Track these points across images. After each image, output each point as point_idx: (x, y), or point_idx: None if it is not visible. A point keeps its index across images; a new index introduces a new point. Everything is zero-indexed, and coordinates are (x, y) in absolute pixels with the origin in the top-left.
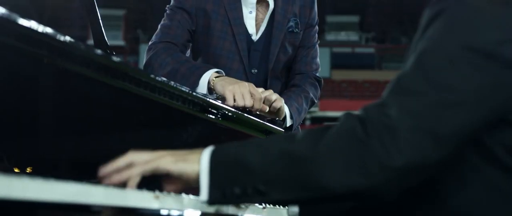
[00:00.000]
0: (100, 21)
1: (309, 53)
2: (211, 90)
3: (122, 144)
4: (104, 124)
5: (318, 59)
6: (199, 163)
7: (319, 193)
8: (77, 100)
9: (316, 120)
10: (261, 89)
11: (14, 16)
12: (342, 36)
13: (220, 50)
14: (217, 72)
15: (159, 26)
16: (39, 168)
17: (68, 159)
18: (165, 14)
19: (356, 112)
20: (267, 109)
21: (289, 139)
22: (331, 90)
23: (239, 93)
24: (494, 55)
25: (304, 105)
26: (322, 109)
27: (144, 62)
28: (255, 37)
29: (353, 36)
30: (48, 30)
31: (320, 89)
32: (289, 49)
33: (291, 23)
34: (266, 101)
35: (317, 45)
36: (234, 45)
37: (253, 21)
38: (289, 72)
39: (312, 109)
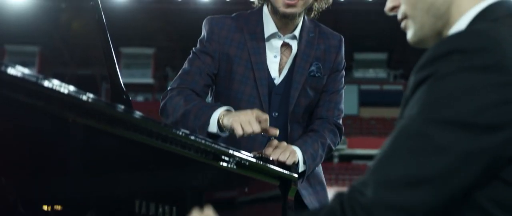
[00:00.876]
0: (116, 64)
1: (332, 98)
2: (221, 127)
3: (144, 195)
4: (124, 175)
5: (341, 105)
6: None
7: None
8: (92, 153)
9: (344, 157)
10: (274, 143)
11: (38, 77)
12: (370, 73)
13: (241, 94)
14: (225, 109)
15: (180, 71)
16: None
17: (97, 210)
18: (188, 57)
19: (342, 191)
20: (276, 157)
21: None
22: (359, 128)
23: (245, 121)
24: (470, 124)
25: (320, 151)
26: (351, 146)
27: (160, 107)
28: (277, 81)
29: (381, 73)
30: (71, 89)
31: (341, 136)
32: (311, 93)
33: (313, 68)
34: (279, 159)
35: (342, 91)
36: (255, 90)
37: (276, 65)
38: (311, 117)
39: (340, 147)
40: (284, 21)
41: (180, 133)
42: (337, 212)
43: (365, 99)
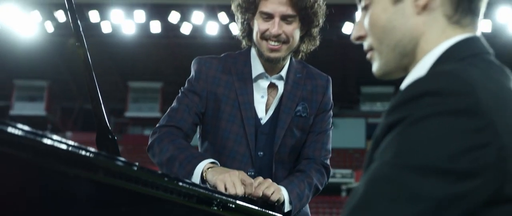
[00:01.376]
0: (102, 104)
1: (319, 138)
2: (204, 180)
3: None
4: None
5: (329, 146)
6: None
7: None
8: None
9: (351, 191)
10: (259, 179)
11: (35, 133)
12: (377, 106)
13: (228, 133)
14: (211, 162)
15: (169, 109)
16: None
17: None
18: (177, 96)
19: None
20: (261, 194)
21: None
22: None
23: (230, 182)
24: (443, 171)
25: (307, 191)
26: (358, 180)
27: (148, 144)
28: (263, 120)
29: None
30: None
31: (328, 177)
32: (298, 134)
33: (299, 107)
34: (263, 195)
35: (330, 132)
36: (241, 129)
37: (263, 105)
38: (298, 157)
39: (348, 180)
40: (270, 64)
41: (164, 178)
42: None
43: (373, 133)
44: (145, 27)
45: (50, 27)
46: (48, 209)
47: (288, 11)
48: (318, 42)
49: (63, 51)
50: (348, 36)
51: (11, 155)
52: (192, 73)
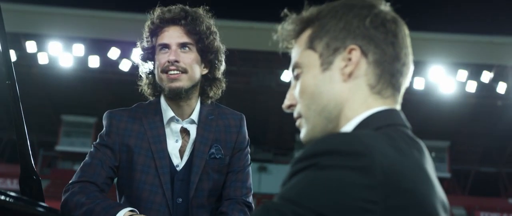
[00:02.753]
0: (28, 144)
1: (238, 177)
2: None
3: None
4: None
5: (249, 183)
6: None
7: None
8: None
9: None
10: None
11: None
12: None
13: (143, 184)
14: (130, 210)
15: (81, 164)
16: None
17: None
18: (89, 151)
19: None
20: None
21: None
22: None
23: None
24: (319, 213)
25: None
26: None
27: (61, 202)
28: (179, 167)
29: None
30: None
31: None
32: (215, 176)
33: (212, 150)
34: None
35: (249, 168)
36: (157, 179)
37: (177, 151)
38: (220, 199)
39: None
40: (178, 104)
41: None
42: None
43: None
44: (83, 61)
45: None
46: None
47: (183, 39)
48: (224, 85)
49: None
50: (287, 83)
51: None
52: (104, 127)
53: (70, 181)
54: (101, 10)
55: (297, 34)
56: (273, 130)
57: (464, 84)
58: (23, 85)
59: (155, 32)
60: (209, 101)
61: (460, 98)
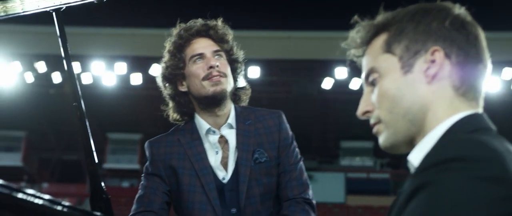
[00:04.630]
0: (97, 165)
1: (291, 176)
2: None
3: None
4: None
5: (304, 178)
6: None
7: None
8: None
9: None
10: None
11: (10, 188)
12: (357, 161)
13: (192, 203)
14: None
15: (135, 198)
16: None
17: None
18: (140, 184)
19: None
20: None
21: None
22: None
23: None
24: None
25: None
26: None
27: None
28: (226, 179)
29: (368, 162)
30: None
31: (314, 211)
32: (264, 180)
33: (256, 155)
34: None
35: (301, 163)
36: (204, 196)
37: (219, 163)
38: (278, 201)
39: None
40: (214, 113)
41: None
42: None
43: (352, 187)
44: (125, 79)
45: (30, 78)
46: None
47: (216, 47)
48: (249, 93)
49: (42, 101)
50: (328, 91)
51: None
52: (147, 157)
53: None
54: (141, 28)
55: (370, 39)
56: (317, 138)
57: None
58: (69, 105)
59: (183, 46)
60: (242, 103)
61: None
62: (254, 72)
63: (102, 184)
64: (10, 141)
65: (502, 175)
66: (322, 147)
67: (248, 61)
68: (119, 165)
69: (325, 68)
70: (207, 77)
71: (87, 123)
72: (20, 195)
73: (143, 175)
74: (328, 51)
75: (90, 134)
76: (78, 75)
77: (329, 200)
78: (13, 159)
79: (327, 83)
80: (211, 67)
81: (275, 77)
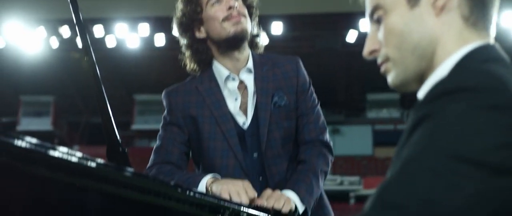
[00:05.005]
0: (112, 118)
1: (309, 120)
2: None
3: None
4: None
5: (321, 122)
6: None
7: None
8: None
9: (360, 198)
10: (268, 193)
11: (44, 146)
12: (384, 113)
13: (213, 151)
14: (212, 176)
15: (153, 149)
16: None
17: None
18: (158, 134)
19: None
20: (271, 207)
21: None
22: (375, 168)
23: (235, 192)
24: (482, 163)
25: (314, 182)
26: (366, 187)
27: None
28: (246, 124)
29: (395, 113)
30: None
31: (331, 153)
32: (284, 124)
33: (275, 98)
34: (274, 208)
35: (318, 107)
36: (225, 143)
37: (238, 109)
38: (297, 145)
39: (356, 187)
40: (233, 57)
41: (175, 188)
42: None
43: (380, 139)
44: (149, 41)
45: (55, 43)
46: None
47: None
48: (262, 34)
49: (68, 66)
50: (352, 44)
51: (20, 167)
52: (165, 107)
53: (147, 167)
54: None
55: None
56: (342, 92)
57: None
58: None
59: None
60: (259, 50)
61: None
62: (277, 28)
63: (118, 137)
64: (39, 106)
65: (509, 104)
66: (348, 101)
67: (271, 17)
68: (147, 126)
69: (349, 21)
70: (227, 18)
71: (98, 72)
72: (55, 153)
73: (161, 125)
74: (351, 3)
75: (103, 88)
76: (85, 27)
77: (356, 153)
78: (43, 124)
79: (351, 36)
80: (230, 7)
81: (298, 32)
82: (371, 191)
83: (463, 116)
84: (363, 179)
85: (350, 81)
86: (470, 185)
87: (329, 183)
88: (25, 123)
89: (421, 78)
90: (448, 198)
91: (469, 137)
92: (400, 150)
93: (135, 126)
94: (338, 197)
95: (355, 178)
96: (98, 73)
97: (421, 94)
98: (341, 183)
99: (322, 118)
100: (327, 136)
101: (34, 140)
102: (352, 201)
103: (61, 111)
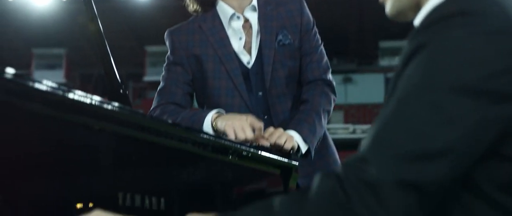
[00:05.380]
0: (113, 65)
1: (312, 58)
2: (214, 130)
3: (145, 190)
4: (125, 172)
5: (324, 61)
6: None
7: None
8: (93, 152)
9: None
10: (270, 130)
11: (54, 87)
12: (396, 61)
13: (218, 90)
14: (217, 112)
15: (156, 91)
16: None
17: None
18: (161, 75)
19: (335, 170)
20: (273, 143)
21: (265, 213)
22: None
23: (239, 127)
24: (481, 92)
25: (316, 121)
26: None
27: None
28: (250, 63)
29: None
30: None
31: (334, 92)
32: (288, 63)
33: (280, 37)
34: (276, 144)
35: (321, 47)
36: (230, 82)
37: (243, 48)
38: (300, 85)
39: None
40: None
41: (178, 127)
42: (338, 194)
43: None
44: None
45: None
46: (62, 160)
47: None
48: None
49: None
50: None
51: (34, 109)
52: (167, 47)
53: (151, 109)
54: None
55: None
56: (354, 39)
57: None
58: (105, 20)
59: None
60: None
61: None
62: None
63: (118, 78)
64: (52, 59)
65: (506, 28)
66: (360, 48)
67: None
68: (159, 78)
69: None
70: None
71: (96, 12)
72: (72, 95)
73: (164, 65)
74: None
75: (99, 24)
76: None
77: (369, 101)
78: (56, 76)
79: None
80: None
81: None
82: None
83: (460, 43)
84: None
85: (362, 29)
86: (470, 117)
87: (341, 131)
88: (37, 76)
89: (418, 6)
90: (448, 131)
91: (467, 66)
92: (394, 82)
93: (147, 78)
94: (350, 146)
95: (367, 127)
96: (95, 10)
97: (417, 21)
98: (354, 132)
99: (325, 58)
100: (330, 76)
101: (48, 82)
102: None
103: (73, 63)
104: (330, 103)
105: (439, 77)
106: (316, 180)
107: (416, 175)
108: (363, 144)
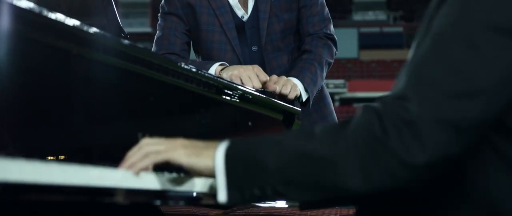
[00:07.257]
0: (116, 11)
1: (313, 11)
2: None
3: (142, 128)
4: (128, 109)
5: (325, 13)
6: (213, 159)
7: (341, 194)
8: (98, 88)
9: (345, 101)
10: (274, 77)
11: (41, 9)
12: (370, 16)
13: (211, 43)
14: (221, 64)
15: (154, 40)
16: (69, 155)
17: (95, 146)
18: (157, 24)
19: (374, 105)
20: (277, 92)
21: (307, 137)
22: (360, 71)
23: (245, 76)
24: None
25: (318, 72)
26: (351, 90)
27: None
28: (245, 17)
29: (381, 16)
30: (75, 22)
31: (335, 45)
32: (284, 16)
33: None
34: (281, 93)
35: None
36: (223, 35)
37: (238, 2)
38: (299, 36)
39: (341, 90)
40: None
41: (186, 66)
42: (376, 128)
43: (365, 42)
44: None
45: None
46: (66, 94)
47: None
48: None
49: None
50: None
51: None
52: None
53: None
54: None
55: None
56: None
57: None
58: None
59: None
60: None
61: None
62: None
63: (122, 27)
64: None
65: None
66: (333, 2)
67: None
68: (131, 29)
69: None
70: None
71: None
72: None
73: (159, 14)
74: None
75: None
76: None
77: (342, 56)
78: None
79: None
80: None
81: None
82: (356, 94)
83: None
84: (348, 82)
85: None
86: (505, 56)
87: None
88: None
89: None
90: (486, 70)
91: (505, 5)
92: (427, 20)
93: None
94: None
95: (340, 81)
96: None
97: None
98: (326, 86)
99: (326, 9)
100: (332, 28)
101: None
102: (337, 104)
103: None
104: (332, 56)
105: (476, 16)
106: (358, 113)
107: (455, 114)
108: (400, 80)
